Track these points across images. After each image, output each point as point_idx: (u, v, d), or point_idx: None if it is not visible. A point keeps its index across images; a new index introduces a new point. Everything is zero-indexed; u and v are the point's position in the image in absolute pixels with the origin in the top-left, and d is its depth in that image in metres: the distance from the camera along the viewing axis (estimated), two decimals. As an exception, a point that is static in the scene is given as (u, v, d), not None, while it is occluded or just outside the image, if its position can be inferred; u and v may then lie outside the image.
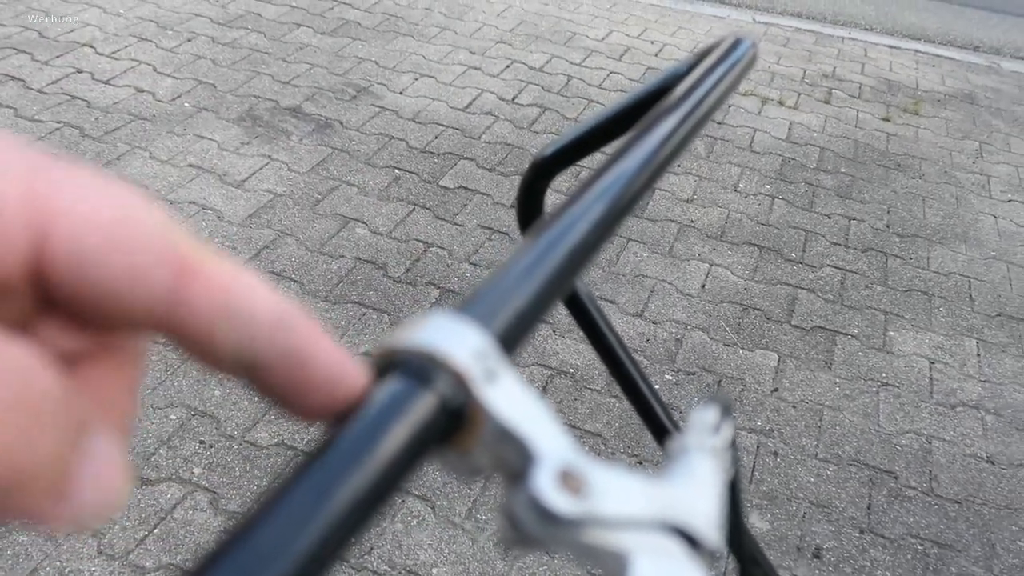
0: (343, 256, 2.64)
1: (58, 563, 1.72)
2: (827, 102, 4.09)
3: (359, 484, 0.22)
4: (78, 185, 0.18)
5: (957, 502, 2.15)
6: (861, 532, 2.05)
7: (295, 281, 2.51)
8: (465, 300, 0.27)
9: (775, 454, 2.21)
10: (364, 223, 2.79)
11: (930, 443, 2.30)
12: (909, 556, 2.01)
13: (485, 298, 0.27)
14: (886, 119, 4.01)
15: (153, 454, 1.95)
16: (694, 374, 2.42)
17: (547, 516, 0.23)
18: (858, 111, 4.04)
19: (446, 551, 1.85)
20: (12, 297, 0.19)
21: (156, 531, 1.80)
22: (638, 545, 0.24)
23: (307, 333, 0.21)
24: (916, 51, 4.93)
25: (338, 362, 0.22)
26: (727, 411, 0.31)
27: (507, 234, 2.84)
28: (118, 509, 0.20)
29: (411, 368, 0.24)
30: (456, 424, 0.24)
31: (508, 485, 0.25)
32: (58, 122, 3.03)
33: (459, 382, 0.24)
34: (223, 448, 1.99)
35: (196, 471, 1.93)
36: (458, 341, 0.24)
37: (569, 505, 0.24)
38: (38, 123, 3.01)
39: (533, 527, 0.24)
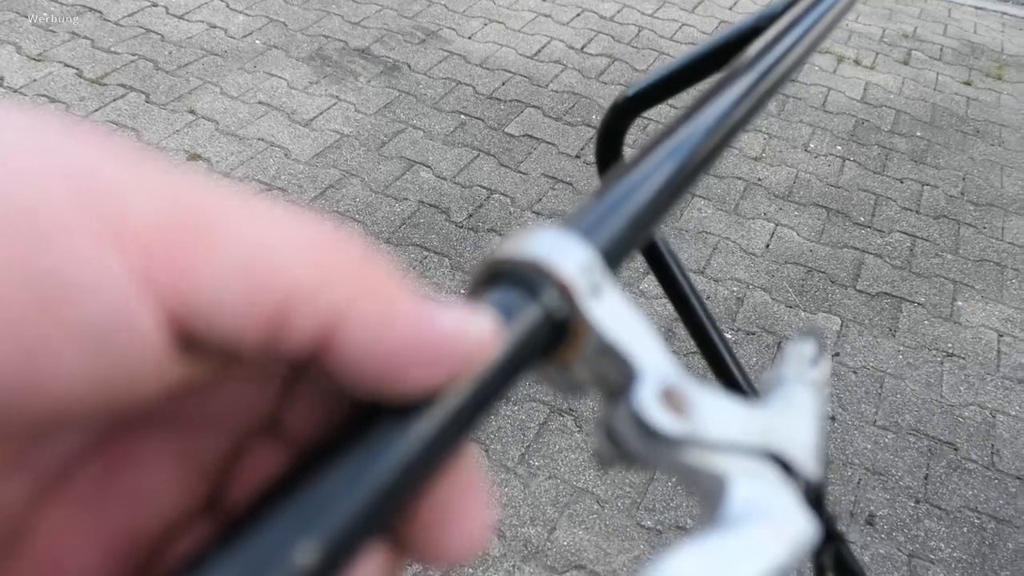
0: (407, 199, 2.65)
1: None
2: (906, 63, 3.96)
3: (464, 392, 0.22)
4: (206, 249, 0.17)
5: (1019, 478, 2.11)
6: (917, 502, 2.02)
7: (358, 222, 2.53)
8: (571, 215, 0.27)
9: (833, 419, 2.19)
10: (428, 167, 2.79)
11: (994, 417, 2.25)
12: (965, 529, 1.98)
13: (591, 214, 0.27)
14: (967, 83, 3.87)
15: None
16: (754, 334, 2.39)
17: (649, 433, 0.23)
18: (938, 73, 3.91)
19: (497, 494, 1.88)
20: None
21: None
22: (737, 468, 0.24)
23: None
24: (1003, 13, 4.73)
25: (454, 341, 0.21)
26: (823, 346, 0.30)
27: (571, 184, 2.82)
28: None
29: (517, 278, 0.24)
30: (560, 337, 0.24)
31: (608, 402, 0.25)
32: (133, 54, 3.07)
33: (564, 294, 0.24)
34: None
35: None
36: (564, 254, 0.24)
37: (671, 423, 0.23)
38: (114, 55, 3.06)
39: (633, 444, 0.24)
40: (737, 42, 0.60)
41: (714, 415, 0.24)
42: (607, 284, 0.25)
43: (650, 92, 0.65)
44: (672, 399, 0.24)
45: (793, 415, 0.26)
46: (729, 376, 0.67)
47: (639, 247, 0.28)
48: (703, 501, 0.25)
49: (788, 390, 0.27)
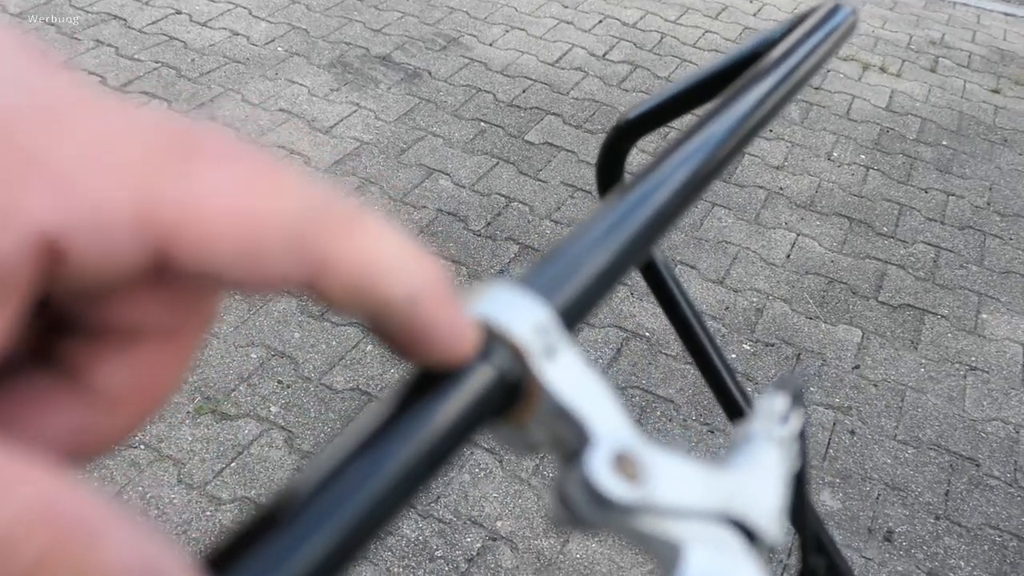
0: (425, 207, 2.65)
1: (140, 488, 1.79)
2: (933, 70, 3.91)
3: (413, 453, 0.22)
4: (198, 178, 0.17)
5: (1041, 494, 2.07)
6: (936, 518, 1.99)
7: (377, 229, 2.53)
8: (529, 270, 0.26)
9: (852, 432, 2.16)
10: (447, 175, 2.80)
11: (1017, 432, 2.22)
12: (986, 547, 1.95)
13: (550, 269, 0.26)
14: (995, 91, 3.82)
15: (233, 390, 2.01)
16: (773, 345, 2.37)
17: (600, 500, 0.23)
18: (966, 81, 3.86)
19: (511, 505, 1.87)
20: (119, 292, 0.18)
21: (233, 465, 1.86)
22: (693, 535, 0.24)
23: (435, 307, 0.21)
24: (1034, 20, 4.67)
25: (457, 329, 0.22)
26: (798, 398, 0.29)
27: (590, 192, 2.81)
28: None
29: (469, 339, 0.24)
30: (512, 398, 0.24)
31: (563, 464, 0.24)
32: (156, 62, 3.10)
33: (517, 356, 0.23)
34: (300, 389, 2.04)
35: (273, 409, 1.99)
36: (518, 314, 0.24)
37: (623, 490, 0.23)
38: (137, 62, 3.09)
39: (585, 510, 0.23)
40: (738, 67, 0.59)
41: (671, 480, 0.24)
42: (563, 344, 0.24)
43: (652, 115, 0.64)
44: (625, 465, 0.23)
45: (757, 477, 0.26)
46: (730, 399, 0.66)
47: (601, 301, 0.27)
48: (658, 568, 0.24)
49: (755, 449, 0.27)
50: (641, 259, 0.29)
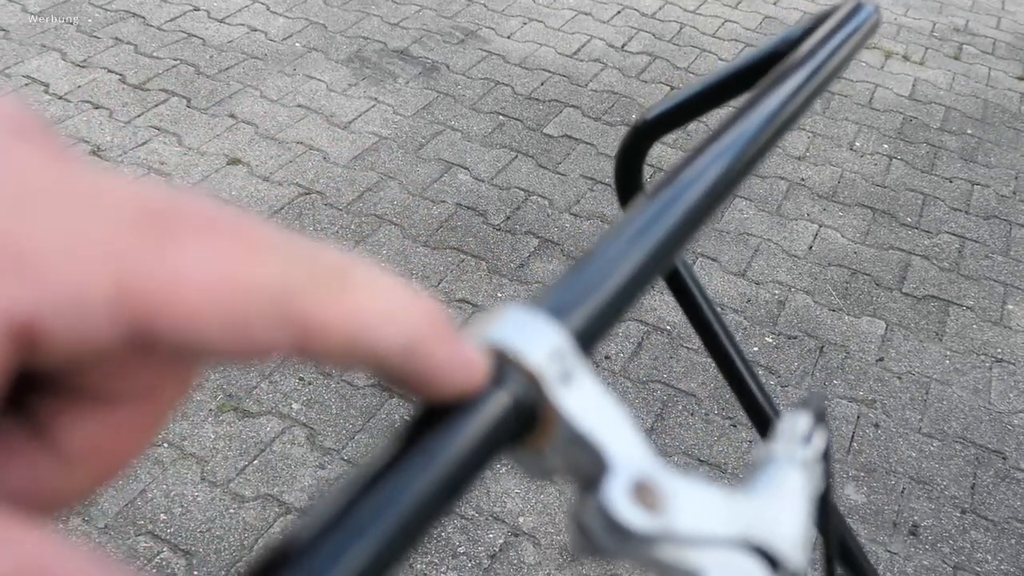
0: (444, 201, 2.65)
1: (164, 486, 1.81)
2: (956, 58, 3.86)
3: (428, 482, 0.21)
4: (176, 252, 0.17)
5: (1069, 487, 2.04)
6: (963, 512, 1.97)
7: (396, 225, 2.53)
8: (544, 292, 0.26)
9: (876, 426, 2.14)
10: (466, 169, 2.79)
11: (1044, 424, 2.19)
12: (1013, 541, 1.93)
13: (566, 291, 0.26)
14: (1021, 78, 3.76)
15: (255, 388, 2.02)
16: (795, 338, 2.35)
17: (618, 530, 0.22)
18: (990, 68, 3.81)
19: (533, 501, 1.87)
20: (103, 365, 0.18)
21: (256, 462, 1.87)
22: (714, 564, 0.23)
23: (435, 348, 0.21)
24: (1060, 4, 4.60)
25: (462, 362, 0.21)
26: (821, 417, 0.29)
27: (609, 185, 2.80)
28: None
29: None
30: (528, 425, 0.23)
31: (580, 492, 0.24)
32: (175, 59, 3.11)
33: (532, 382, 0.23)
34: (321, 386, 2.04)
35: (295, 407, 1.99)
36: (533, 339, 0.23)
37: (642, 520, 0.22)
38: (156, 60, 3.10)
39: (603, 539, 0.23)
40: (758, 67, 0.58)
41: (691, 507, 0.23)
42: (579, 369, 0.24)
43: (670, 115, 0.63)
44: (644, 494, 0.23)
45: (779, 502, 0.25)
46: (759, 411, 0.65)
47: (620, 319, 0.27)
48: (679, 597, 0.24)
49: (776, 472, 0.26)
50: (663, 271, 0.29)
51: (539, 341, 0.23)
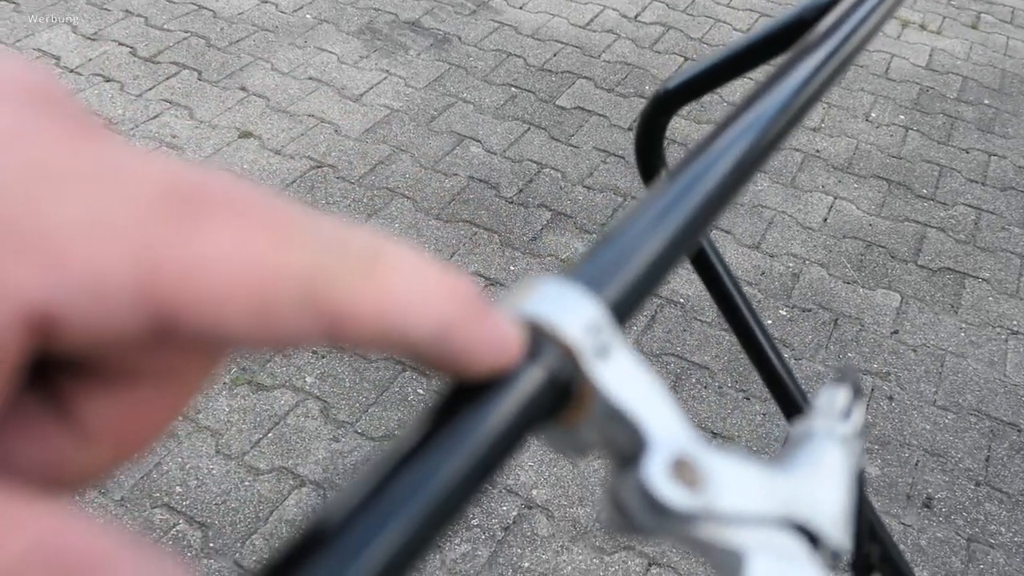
0: (456, 174, 2.63)
1: (179, 459, 1.82)
2: (974, 27, 3.81)
3: (462, 461, 0.21)
4: (201, 236, 0.16)
5: (1085, 460, 2.04)
6: (977, 484, 1.97)
7: (408, 198, 2.52)
8: (579, 263, 0.25)
9: (890, 398, 2.13)
10: (478, 141, 2.77)
11: (1060, 397, 2.18)
12: (1027, 513, 1.92)
13: (600, 262, 0.25)
14: (1040, 46, 3.71)
15: (268, 361, 2.02)
16: (810, 311, 2.34)
17: (657, 508, 0.22)
18: (1008, 38, 3.75)
19: (547, 473, 1.87)
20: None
21: (270, 435, 1.88)
22: (755, 543, 0.22)
23: (469, 328, 0.20)
24: (1080, -29, 4.52)
25: (497, 338, 0.21)
26: (858, 392, 0.28)
27: (623, 157, 2.78)
28: None
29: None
30: (564, 400, 0.23)
31: (617, 468, 0.23)
32: (185, 31, 3.10)
33: (568, 356, 0.22)
34: (334, 359, 2.05)
35: (308, 380, 2.00)
36: (569, 312, 0.22)
37: (682, 498, 0.22)
38: (167, 32, 3.08)
39: (641, 517, 0.22)
40: (784, 34, 0.57)
41: (731, 485, 0.23)
42: (617, 342, 0.23)
43: (692, 85, 0.62)
44: (684, 471, 0.22)
45: (820, 479, 0.24)
46: (786, 394, 0.64)
47: (653, 292, 0.26)
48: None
49: (816, 449, 0.25)
50: (694, 245, 0.28)
51: (575, 314, 0.22)
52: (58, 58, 2.88)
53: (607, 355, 0.23)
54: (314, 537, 0.19)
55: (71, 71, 2.83)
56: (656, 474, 0.22)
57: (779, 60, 0.43)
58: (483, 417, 0.21)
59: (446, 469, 0.20)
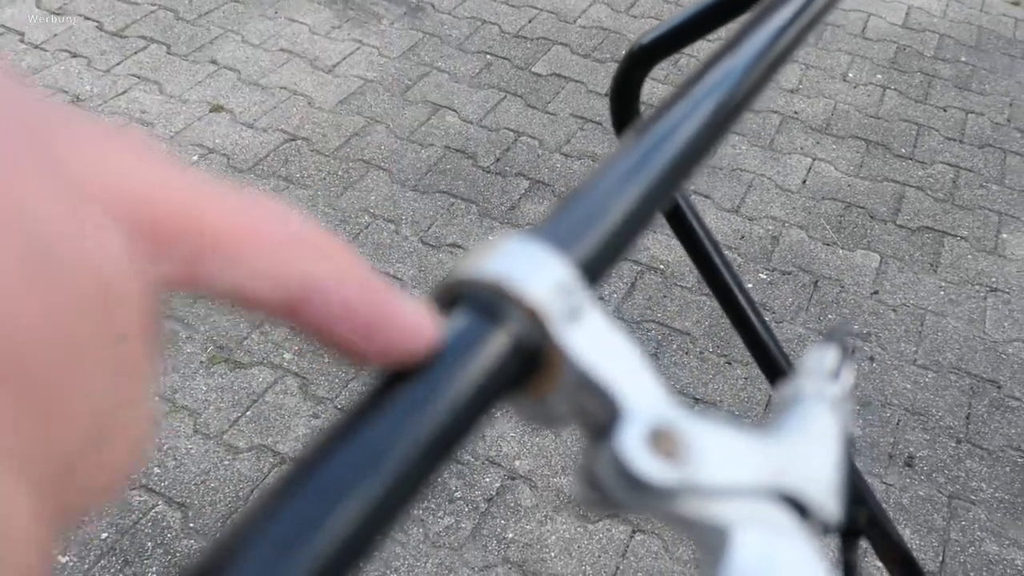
0: (432, 144, 2.60)
1: (157, 440, 1.79)
2: (950, -16, 3.78)
3: (421, 433, 0.19)
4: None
5: (1064, 415, 2.05)
6: (958, 442, 1.98)
7: (384, 169, 2.49)
8: (545, 221, 0.23)
9: (871, 359, 2.14)
10: (454, 111, 2.74)
11: (1039, 353, 2.19)
12: (1008, 468, 1.94)
13: (569, 219, 0.23)
14: (1015, 3, 3.70)
15: (245, 339, 2.00)
16: (790, 273, 2.33)
17: (634, 483, 0.20)
18: (984, -6, 3.74)
19: (529, 444, 1.87)
20: None
21: (248, 413, 1.86)
22: (740, 516, 0.21)
23: (368, 311, 0.19)
24: (1054, -73, 4.50)
25: (411, 323, 0.19)
26: (848, 352, 0.26)
27: (600, 124, 2.75)
28: None
29: (479, 303, 0.21)
30: (531, 368, 0.21)
31: (591, 441, 0.22)
32: (153, 4, 3.03)
33: (534, 320, 0.20)
34: (313, 334, 2.02)
35: (287, 356, 1.97)
36: (535, 272, 0.21)
37: (661, 471, 0.20)
38: (134, 5, 3.01)
39: (616, 493, 0.20)
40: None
41: (715, 456, 0.21)
42: (587, 304, 0.21)
43: (667, 39, 0.60)
44: (662, 442, 0.20)
45: (810, 445, 0.23)
46: (768, 357, 0.63)
47: (627, 252, 0.24)
48: (703, 553, 0.21)
49: (805, 413, 0.24)
50: (668, 202, 0.26)
51: (542, 274, 0.21)
52: (22, 34, 2.81)
53: (577, 319, 0.21)
54: (252, 522, 0.17)
55: (36, 47, 2.77)
56: (632, 446, 0.20)
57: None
58: (440, 388, 0.19)
59: (406, 440, 0.19)
